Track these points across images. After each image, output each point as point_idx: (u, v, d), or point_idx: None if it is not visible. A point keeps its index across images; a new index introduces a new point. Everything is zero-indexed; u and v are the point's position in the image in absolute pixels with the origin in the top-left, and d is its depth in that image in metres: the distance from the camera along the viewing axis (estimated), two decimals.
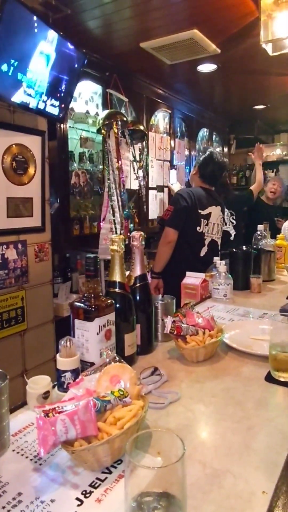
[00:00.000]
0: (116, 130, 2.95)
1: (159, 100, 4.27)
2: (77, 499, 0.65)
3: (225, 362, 1.20)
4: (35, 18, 2.06)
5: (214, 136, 5.88)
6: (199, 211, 2.57)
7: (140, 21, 2.74)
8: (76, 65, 2.46)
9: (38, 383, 0.92)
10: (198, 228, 2.57)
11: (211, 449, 0.77)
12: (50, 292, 2.63)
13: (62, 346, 0.95)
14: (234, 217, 3.79)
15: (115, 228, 3.01)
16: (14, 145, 2.25)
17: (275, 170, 6.44)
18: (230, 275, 1.95)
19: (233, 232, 3.77)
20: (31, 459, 0.76)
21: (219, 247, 2.72)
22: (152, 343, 1.31)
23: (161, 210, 4.36)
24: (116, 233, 3.01)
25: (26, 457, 0.76)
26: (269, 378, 1.06)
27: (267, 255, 2.31)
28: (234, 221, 3.78)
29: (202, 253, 2.60)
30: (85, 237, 3.27)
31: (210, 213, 2.62)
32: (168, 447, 0.58)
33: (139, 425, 0.75)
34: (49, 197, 2.58)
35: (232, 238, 3.74)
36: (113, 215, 3.03)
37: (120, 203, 3.07)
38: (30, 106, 2.19)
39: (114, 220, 3.06)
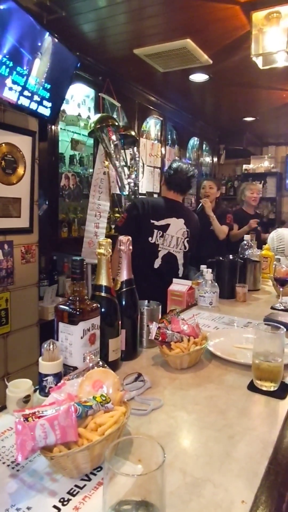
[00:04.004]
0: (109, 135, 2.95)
1: (151, 107, 4.29)
2: (55, 506, 0.64)
3: (209, 369, 1.20)
4: (29, 18, 2.06)
5: (204, 146, 5.93)
6: (152, 221, 2.40)
7: (134, 28, 2.77)
8: (69, 68, 2.46)
9: (19, 387, 0.90)
10: (150, 238, 2.40)
11: (192, 457, 0.77)
12: (36, 295, 2.60)
13: (45, 350, 0.93)
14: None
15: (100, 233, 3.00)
16: (3, 144, 2.23)
17: (262, 181, 6.54)
18: (216, 283, 1.96)
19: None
20: (8, 465, 0.74)
21: (182, 261, 2.51)
22: (137, 349, 1.30)
23: None
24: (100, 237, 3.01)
25: (3, 463, 0.74)
26: (252, 387, 1.07)
27: (253, 264, 2.33)
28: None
29: (156, 265, 2.43)
30: (73, 240, 3.25)
31: (168, 224, 2.44)
32: (149, 454, 0.57)
33: (120, 432, 0.74)
34: (38, 199, 2.56)
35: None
36: (99, 219, 3.03)
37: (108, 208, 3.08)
38: (22, 105, 2.18)
39: (98, 224, 3.05)
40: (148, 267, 2.42)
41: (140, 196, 4.03)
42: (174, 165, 2.52)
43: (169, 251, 2.46)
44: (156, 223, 2.41)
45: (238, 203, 4.45)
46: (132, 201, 2.62)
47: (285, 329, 1.04)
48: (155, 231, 2.41)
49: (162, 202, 2.52)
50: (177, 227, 2.47)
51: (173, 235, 2.46)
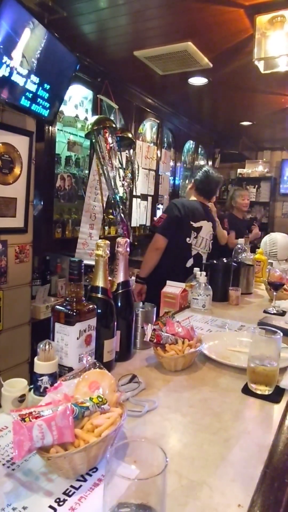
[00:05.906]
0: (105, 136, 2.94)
1: (148, 110, 4.30)
2: (51, 507, 0.64)
3: (203, 372, 1.20)
4: (30, 17, 2.05)
5: (199, 149, 5.95)
6: (191, 222, 2.60)
7: (135, 29, 2.76)
8: (68, 68, 2.46)
9: (14, 386, 0.90)
10: (187, 239, 2.61)
11: (188, 460, 0.77)
12: (28, 294, 2.59)
13: (41, 350, 0.93)
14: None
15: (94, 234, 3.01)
16: (0, 144, 2.22)
17: (256, 186, 6.59)
18: (209, 286, 1.97)
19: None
20: (3, 464, 0.73)
21: (204, 262, 2.67)
22: (131, 350, 1.30)
23: (142, 218, 4.39)
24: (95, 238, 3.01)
25: None
26: (246, 390, 1.07)
27: (246, 268, 2.34)
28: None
29: (188, 264, 2.62)
30: (66, 240, 3.24)
31: (201, 227, 2.65)
32: (145, 456, 0.57)
33: (117, 433, 0.74)
34: (33, 199, 2.55)
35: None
36: (94, 220, 3.02)
37: (103, 209, 3.07)
38: (20, 105, 2.17)
39: (93, 225, 3.05)
40: (181, 266, 2.60)
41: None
42: (204, 171, 2.74)
43: (198, 251, 2.66)
44: (194, 224, 2.62)
45: (227, 208, 4.49)
46: (172, 203, 2.74)
47: (282, 334, 1.05)
48: (192, 231, 2.61)
49: (197, 205, 2.71)
50: (207, 229, 2.70)
51: (204, 237, 2.67)
